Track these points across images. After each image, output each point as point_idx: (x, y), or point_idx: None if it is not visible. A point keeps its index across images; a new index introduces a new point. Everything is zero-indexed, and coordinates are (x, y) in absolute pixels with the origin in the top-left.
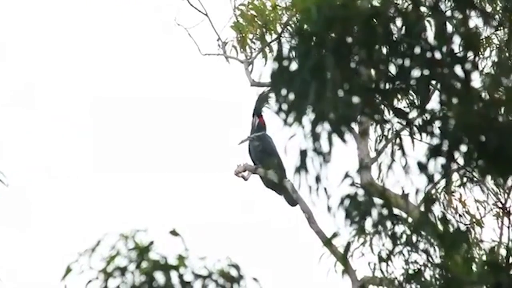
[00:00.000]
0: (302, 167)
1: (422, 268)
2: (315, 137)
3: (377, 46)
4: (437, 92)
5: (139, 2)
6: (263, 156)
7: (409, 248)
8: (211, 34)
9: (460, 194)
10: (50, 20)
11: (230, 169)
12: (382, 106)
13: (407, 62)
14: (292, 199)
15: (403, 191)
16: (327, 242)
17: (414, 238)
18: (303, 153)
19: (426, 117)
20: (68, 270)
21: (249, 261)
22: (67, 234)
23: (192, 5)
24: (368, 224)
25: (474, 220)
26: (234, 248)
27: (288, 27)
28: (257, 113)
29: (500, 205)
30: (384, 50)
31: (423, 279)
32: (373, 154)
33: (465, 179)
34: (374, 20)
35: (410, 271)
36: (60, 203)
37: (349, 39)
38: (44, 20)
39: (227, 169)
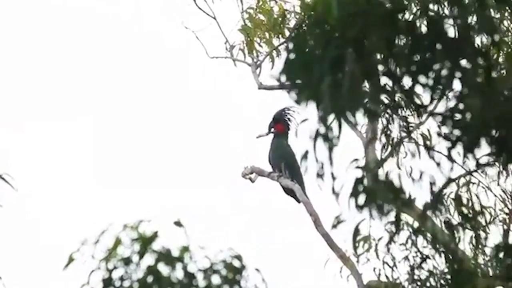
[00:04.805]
0: (312, 151)
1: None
2: (325, 122)
3: (399, 40)
4: (458, 86)
5: (147, 5)
6: (278, 161)
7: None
8: (219, 37)
9: (467, 200)
10: (54, 23)
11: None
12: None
13: (429, 56)
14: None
15: (409, 195)
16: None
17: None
18: (314, 138)
19: (447, 110)
20: (71, 259)
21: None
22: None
23: (200, 8)
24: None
25: (480, 226)
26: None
27: (296, 31)
28: (275, 119)
29: (507, 211)
30: (406, 45)
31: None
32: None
33: (471, 184)
34: (397, 15)
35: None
36: (65, 216)
37: (371, 33)
38: (47, 22)
39: (234, 171)
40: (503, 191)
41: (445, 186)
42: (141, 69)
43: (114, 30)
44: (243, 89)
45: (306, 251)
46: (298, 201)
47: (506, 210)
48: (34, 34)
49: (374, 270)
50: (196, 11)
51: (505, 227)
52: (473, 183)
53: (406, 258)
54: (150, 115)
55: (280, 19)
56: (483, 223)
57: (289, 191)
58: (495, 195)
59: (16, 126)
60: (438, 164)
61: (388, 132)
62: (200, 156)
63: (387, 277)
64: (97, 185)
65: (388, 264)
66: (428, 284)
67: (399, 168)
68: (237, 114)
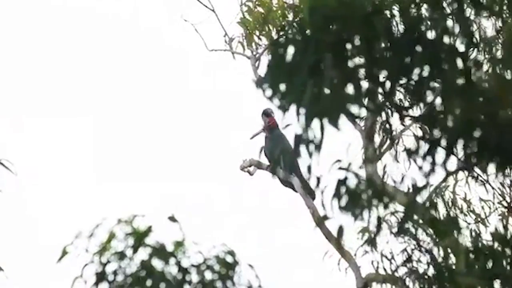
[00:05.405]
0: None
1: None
2: (308, 125)
3: (378, 43)
4: (439, 88)
5: (147, 3)
6: (275, 154)
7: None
8: (218, 30)
9: (465, 193)
10: (54, 23)
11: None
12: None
13: (408, 59)
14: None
15: (408, 189)
16: (319, 222)
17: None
18: (297, 139)
19: (428, 112)
20: (64, 253)
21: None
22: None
23: (199, 1)
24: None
25: (479, 219)
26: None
27: (294, 24)
28: (267, 113)
29: (506, 204)
30: (385, 48)
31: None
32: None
33: (470, 178)
34: (374, 18)
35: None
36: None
37: (349, 37)
38: (47, 22)
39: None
40: (501, 184)
41: (422, 189)
42: (141, 67)
43: (114, 30)
44: (242, 86)
45: (305, 248)
46: (296, 191)
47: (505, 203)
48: (34, 34)
49: (372, 263)
50: (195, 4)
51: (504, 221)
52: (472, 176)
53: (405, 250)
54: (150, 114)
55: (279, 11)
56: (483, 216)
57: (287, 183)
58: (493, 188)
59: (16, 123)
60: (420, 168)
61: (387, 127)
62: (199, 155)
63: (385, 270)
64: (98, 183)
65: (386, 257)
66: (426, 277)
67: (397, 162)
68: (237, 112)
